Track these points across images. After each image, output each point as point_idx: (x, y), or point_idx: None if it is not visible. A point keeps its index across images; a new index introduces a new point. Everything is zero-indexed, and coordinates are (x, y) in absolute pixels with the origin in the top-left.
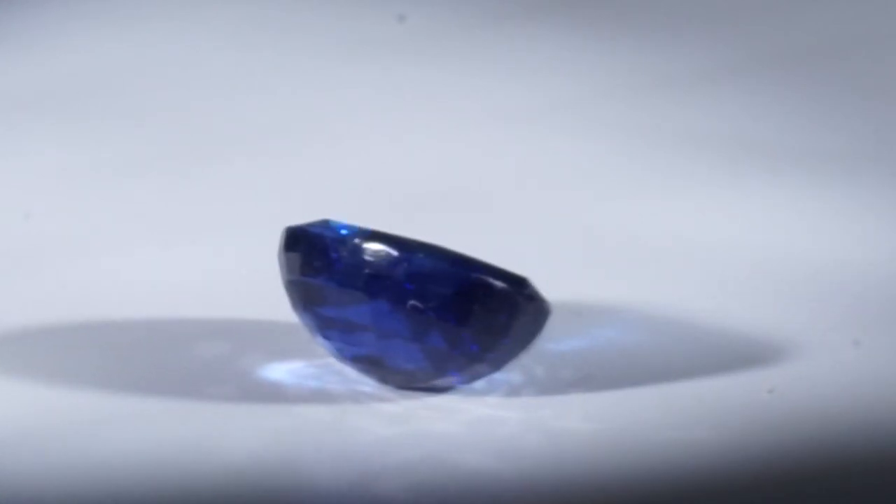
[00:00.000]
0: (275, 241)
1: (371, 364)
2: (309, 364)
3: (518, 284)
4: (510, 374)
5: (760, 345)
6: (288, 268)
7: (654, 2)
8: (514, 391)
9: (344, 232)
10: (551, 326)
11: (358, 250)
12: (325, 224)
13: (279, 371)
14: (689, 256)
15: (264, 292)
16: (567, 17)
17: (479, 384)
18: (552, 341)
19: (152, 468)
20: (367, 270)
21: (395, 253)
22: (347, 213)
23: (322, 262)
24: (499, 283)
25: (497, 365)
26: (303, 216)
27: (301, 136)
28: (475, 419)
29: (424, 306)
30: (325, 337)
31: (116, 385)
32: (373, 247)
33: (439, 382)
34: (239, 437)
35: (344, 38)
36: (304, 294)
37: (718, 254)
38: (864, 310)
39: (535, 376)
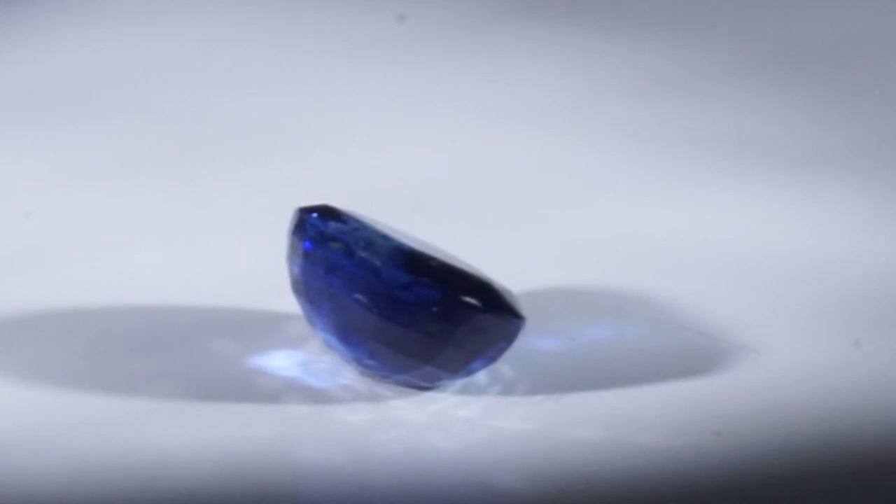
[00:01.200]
0: (272, 240)
1: (346, 356)
2: (301, 354)
3: (472, 293)
4: (493, 381)
5: (760, 344)
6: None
7: (654, 2)
8: (476, 399)
9: (317, 217)
10: (555, 326)
11: (323, 238)
12: (324, 209)
13: (268, 363)
14: (689, 256)
15: (265, 290)
16: (567, 17)
17: (461, 386)
18: (552, 341)
19: (152, 468)
20: (327, 259)
21: (351, 245)
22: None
23: (299, 246)
24: (438, 289)
25: (452, 369)
26: None
27: (300, 135)
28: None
29: (368, 302)
30: (312, 324)
31: (116, 385)
32: (335, 237)
33: (398, 380)
34: (225, 433)
35: (344, 38)
36: (292, 278)
37: (718, 254)
38: (864, 310)
39: (513, 386)
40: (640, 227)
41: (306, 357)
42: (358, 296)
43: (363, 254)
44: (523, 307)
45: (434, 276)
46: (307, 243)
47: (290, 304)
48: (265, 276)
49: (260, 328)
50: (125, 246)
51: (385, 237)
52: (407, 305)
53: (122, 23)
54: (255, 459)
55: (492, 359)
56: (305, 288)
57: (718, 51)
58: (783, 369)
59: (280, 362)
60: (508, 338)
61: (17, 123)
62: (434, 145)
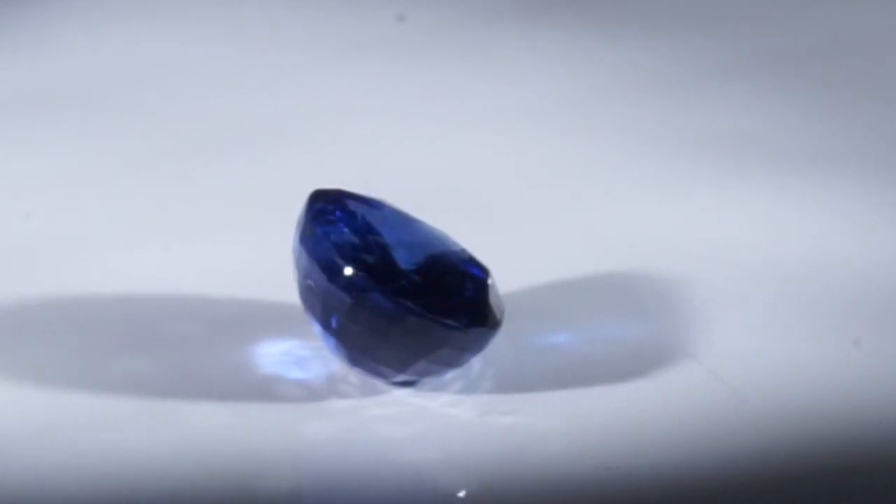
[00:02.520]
0: (270, 240)
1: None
2: (302, 346)
3: (415, 296)
4: (467, 384)
5: (760, 344)
6: None
7: (654, 2)
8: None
9: (311, 201)
10: (552, 326)
11: (304, 222)
12: (337, 193)
13: (266, 358)
14: (689, 256)
15: (267, 288)
16: (567, 17)
17: (436, 384)
18: (543, 340)
19: (152, 468)
20: (299, 243)
21: (316, 231)
22: None
23: (297, 226)
24: (373, 286)
25: (394, 367)
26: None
27: (300, 135)
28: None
29: (317, 290)
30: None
31: (116, 384)
32: (309, 222)
33: (361, 371)
34: (225, 431)
35: (344, 38)
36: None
37: (717, 254)
38: (864, 310)
39: (478, 389)
40: (640, 227)
41: (296, 348)
42: (310, 282)
43: (319, 243)
44: (518, 308)
45: (376, 273)
46: (301, 224)
47: (285, 304)
48: (266, 274)
49: (262, 324)
50: (125, 245)
51: (368, 231)
52: (343, 298)
53: (122, 23)
54: (250, 457)
55: (447, 363)
56: (296, 272)
57: (718, 51)
58: (783, 369)
59: (274, 353)
60: (461, 346)
61: (17, 123)
62: (434, 145)
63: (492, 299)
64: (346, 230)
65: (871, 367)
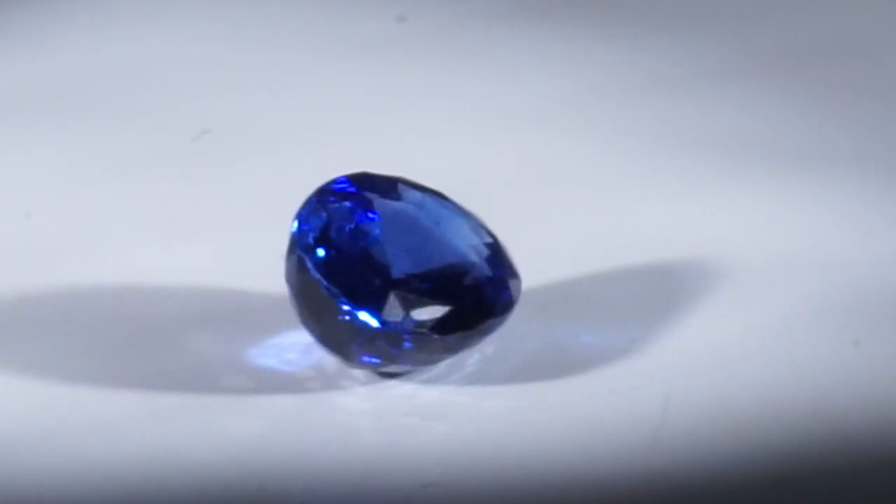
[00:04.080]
0: (270, 240)
1: None
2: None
3: (346, 285)
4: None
5: (759, 344)
6: None
7: (654, 2)
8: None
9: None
10: (546, 326)
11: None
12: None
13: (267, 354)
14: (688, 256)
15: (266, 289)
16: (567, 17)
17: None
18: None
19: (152, 467)
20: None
21: (300, 219)
22: None
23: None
24: (316, 270)
25: (347, 357)
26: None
27: (300, 136)
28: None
29: (286, 264)
30: None
31: (118, 385)
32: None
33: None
34: (225, 430)
35: (344, 38)
36: None
37: (717, 253)
38: (864, 310)
39: (442, 381)
40: (638, 227)
41: (295, 342)
42: (283, 258)
43: (299, 227)
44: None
45: (324, 262)
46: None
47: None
48: (266, 273)
49: (263, 322)
50: (125, 245)
51: (362, 223)
52: (294, 277)
53: (122, 23)
54: (251, 454)
55: (389, 359)
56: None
57: (718, 51)
58: (783, 369)
59: (274, 348)
60: (394, 342)
61: (17, 123)
62: (433, 145)
63: (459, 306)
64: (334, 216)
65: (871, 367)
